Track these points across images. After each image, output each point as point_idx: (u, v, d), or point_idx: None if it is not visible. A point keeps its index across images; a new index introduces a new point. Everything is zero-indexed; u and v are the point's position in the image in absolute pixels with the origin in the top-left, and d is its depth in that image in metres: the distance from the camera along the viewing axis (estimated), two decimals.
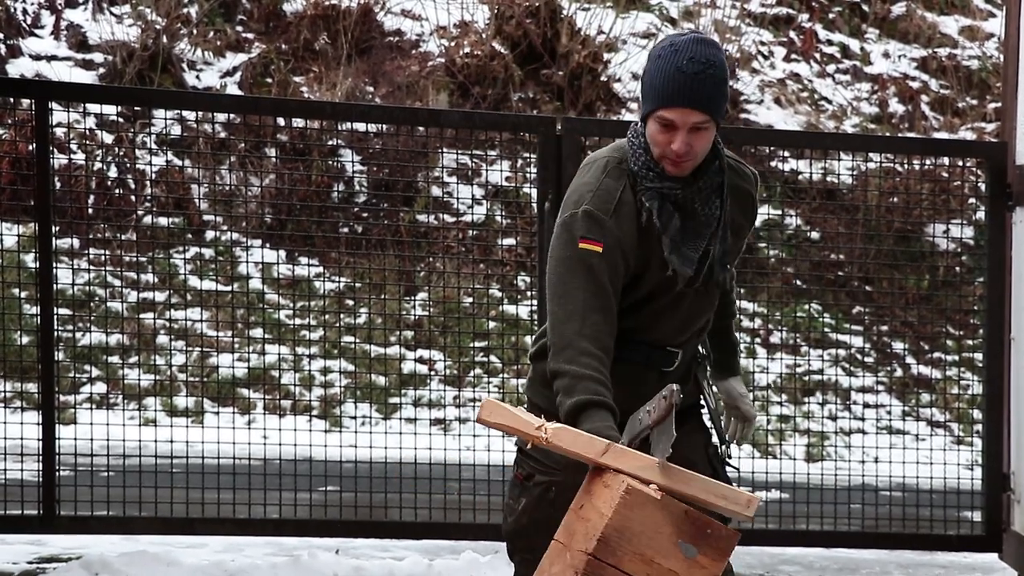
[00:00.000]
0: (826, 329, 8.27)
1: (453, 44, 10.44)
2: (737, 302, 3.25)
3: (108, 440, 4.94)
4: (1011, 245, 5.04)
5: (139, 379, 5.87)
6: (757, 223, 3.15)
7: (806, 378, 7.37)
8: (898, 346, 8.33)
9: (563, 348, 2.77)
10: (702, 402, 3.13)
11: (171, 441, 4.95)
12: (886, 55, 11.32)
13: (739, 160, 3.07)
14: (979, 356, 6.11)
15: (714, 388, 3.12)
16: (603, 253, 2.80)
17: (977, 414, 5.71)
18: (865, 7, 11.64)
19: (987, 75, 11.07)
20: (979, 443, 5.47)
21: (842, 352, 8.08)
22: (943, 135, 10.47)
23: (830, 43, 11.37)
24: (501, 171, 8.81)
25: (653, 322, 2.93)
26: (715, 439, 3.11)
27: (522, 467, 2.96)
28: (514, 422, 2.61)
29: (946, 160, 6.17)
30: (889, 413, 7.63)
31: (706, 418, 3.14)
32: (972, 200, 7.22)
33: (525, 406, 3.01)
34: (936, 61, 11.22)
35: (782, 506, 5.29)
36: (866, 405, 7.35)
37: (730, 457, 3.10)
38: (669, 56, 2.84)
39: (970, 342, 7.04)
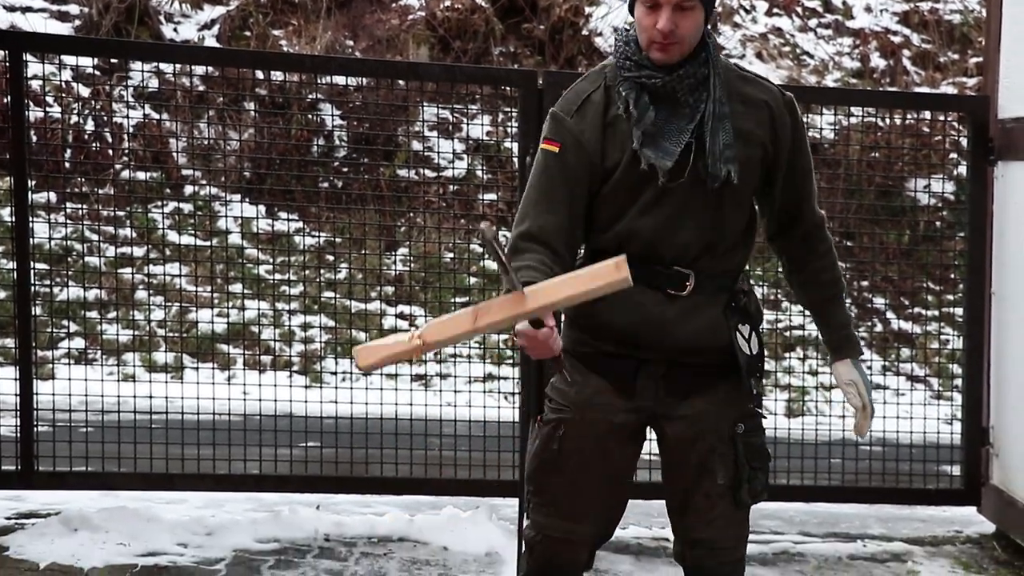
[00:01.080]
0: None
1: None
2: (834, 253, 3.01)
3: (86, 395, 4.91)
4: (992, 200, 5.03)
5: (117, 334, 5.83)
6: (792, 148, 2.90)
7: (787, 333, 7.38)
8: (879, 301, 8.34)
9: (510, 248, 2.78)
10: (738, 356, 2.88)
11: (150, 397, 4.92)
12: (868, 9, 11.28)
13: (763, 78, 2.97)
14: (959, 311, 6.13)
15: (752, 337, 2.88)
16: (559, 152, 2.79)
17: (957, 369, 5.73)
18: None
19: (969, 29, 11.05)
20: (959, 398, 5.49)
21: None
22: (925, 90, 10.46)
23: None
24: (482, 125, 8.75)
25: (644, 227, 2.80)
26: (751, 405, 2.90)
27: (542, 410, 2.96)
28: (389, 352, 2.52)
29: (928, 115, 6.16)
30: (870, 368, 7.64)
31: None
32: (953, 155, 7.20)
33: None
34: (918, 15, 11.19)
35: None
36: None
37: (760, 406, 2.91)
38: None
39: (950, 297, 7.06)
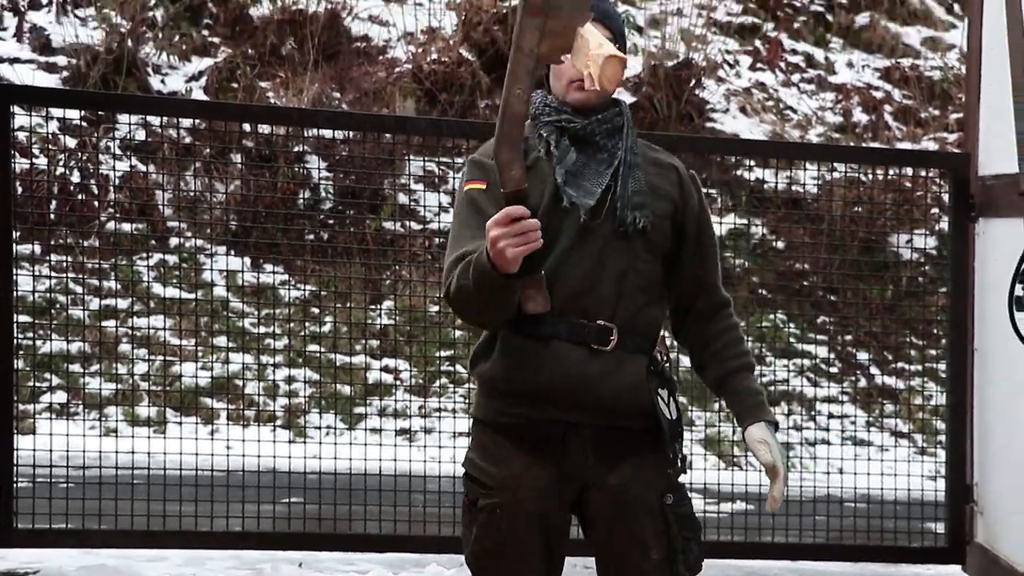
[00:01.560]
0: (791, 339, 8.30)
1: (420, 50, 10.41)
2: (743, 338, 2.99)
3: (68, 451, 4.88)
4: (974, 256, 5.06)
5: (100, 388, 5.81)
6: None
7: (771, 388, 7.38)
8: (862, 356, 8.36)
9: (446, 276, 2.79)
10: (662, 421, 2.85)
11: (132, 452, 4.89)
12: (850, 65, 11.38)
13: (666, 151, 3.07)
14: (942, 367, 6.14)
15: (671, 402, 2.87)
16: (485, 188, 2.81)
17: (940, 425, 5.73)
18: (829, 17, 11.70)
19: (949, 86, 11.16)
20: (942, 454, 5.49)
21: (807, 362, 8.10)
22: (906, 145, 10.54)
23: (795, 52, 11.41)
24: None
25: (567, 274, 2.79)
26: (677, 476, 2.87)
27: (468, 491, 2.88)
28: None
29: (910, 171, 6.20)
30: (854, 423, 7.65)
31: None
32: (935, 210, 7.25)
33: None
34: (899, 72, 11.29)
35: (747, 518, 5.29)
36: (830, 416, 7.38)
37: (684, 472, 2.87)
38: None
39: (933, 352, 7.08)
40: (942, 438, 5.63)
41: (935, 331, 6.87)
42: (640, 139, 2.98)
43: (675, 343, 3.17)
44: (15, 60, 9.72)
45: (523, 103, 2.66)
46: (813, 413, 7.63)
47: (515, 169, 2.65)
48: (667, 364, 2.92)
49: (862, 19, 11.72)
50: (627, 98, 10.36)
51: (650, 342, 2.87)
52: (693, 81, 10.29)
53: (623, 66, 2.72)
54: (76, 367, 6.43)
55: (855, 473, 5.57)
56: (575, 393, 2.78)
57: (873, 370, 8.34)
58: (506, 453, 2.82)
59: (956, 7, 11.91)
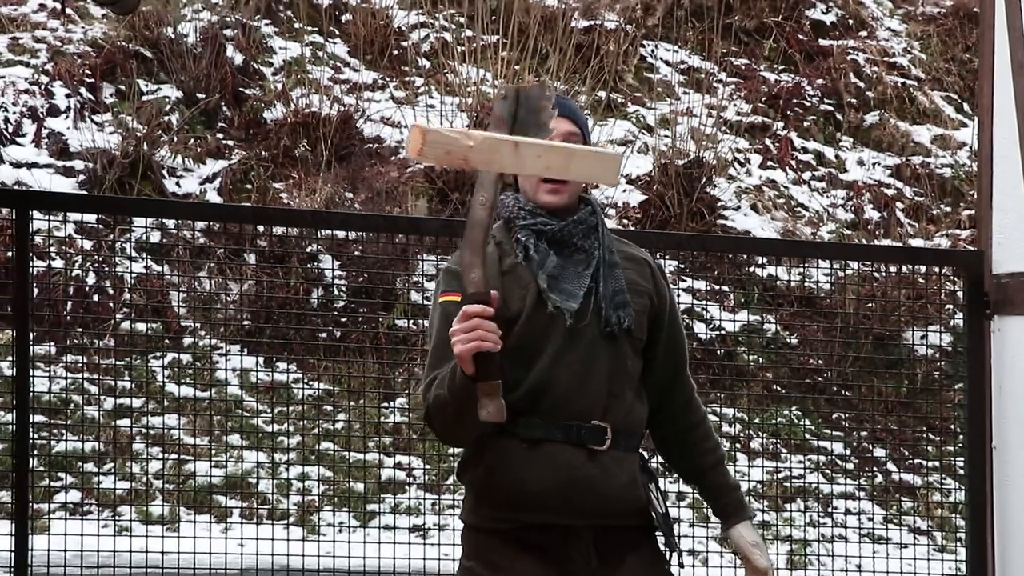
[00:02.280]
0: (806, 435, 8.26)
1: None
2: (709, 422, 3.01)
3: (82, 549, 4.86)
4: (990, 353, 5.06)
5: (114, 486, 5.80)
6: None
7: (787, 484, 7.33)
8: (879, 452, 8.30)
9: (423, 393, 2.76)
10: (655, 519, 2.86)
11: (146, 551, 4.87)
12: (860, 163, 11.48)
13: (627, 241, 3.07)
14: (959, 462, 6.10)
15: (659, 497, 2.86)
16: (461, 301, 2.71)
17: (960, 522, 5.68)
18: (839, 116, 11.82)
19: (960, 183, 11.23)
20: (963, 552, 5.43)
21: (822, 458, 8.05)
22: (919, 241, 10.58)
23: (805, 151, 11.52)
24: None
25: (555, 378, 2.76)
26: (670, 566, 2.88)
27: None
28: (447, 143, 2.52)
29: (923, 267, 6.23)
30: (871, 520, 7.58)
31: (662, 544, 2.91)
32: (950, 306, 7.26)
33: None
34: (910, 169, 11.38)
35: None
36: (847, 512, 7.31)
37: (682, 566, 2.90)
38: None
39: (951, 448, 7.04)
40: (962, 535, 5.57)
41: (952, 427, 6.84)
42: (609, 233, 2.97)
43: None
44: (33, 165, 9.85)
45: (486, 209, 2.64)
46: (830, 509, 7.57)
47: (475, 272, 2.61)
48: (649, 459, 2.94)
49: (872, 118, 11.84)
50: (637, 196, 10.44)
51: (639, 438, 2.87)
52: (704, 179, 10.37)
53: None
54: (90, 466, 6.42)
55: (874, 571, 5.51)
56: (574, 496, 2.73)
57: (890, 466, 8.28)
58: (505, 559, 2.75)
59: (966, 106, 12.03)
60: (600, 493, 2.75)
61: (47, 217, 5.11)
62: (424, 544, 6.81)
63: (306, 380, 8.31)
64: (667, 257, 7.61)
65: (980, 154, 5.21)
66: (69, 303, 8.43)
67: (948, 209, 11.12)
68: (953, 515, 6.30)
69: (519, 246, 2.82)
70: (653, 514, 2.82)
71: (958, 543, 6.43)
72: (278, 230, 8.62)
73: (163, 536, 5.14)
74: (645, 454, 2.87)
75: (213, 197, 9.94)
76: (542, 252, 2.81)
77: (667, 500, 2.89)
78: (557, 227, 2.84)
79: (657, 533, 2.88)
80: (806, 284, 8.30)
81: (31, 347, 4.72)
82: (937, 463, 7.31)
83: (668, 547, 2.83)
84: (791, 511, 7.33)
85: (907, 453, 8.26)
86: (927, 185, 11.20)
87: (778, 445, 7.84)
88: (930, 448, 7.60)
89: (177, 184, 10.04)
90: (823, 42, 12.25)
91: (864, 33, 12.48)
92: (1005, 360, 4.93)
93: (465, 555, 2.83)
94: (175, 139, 10.25)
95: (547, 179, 2.82)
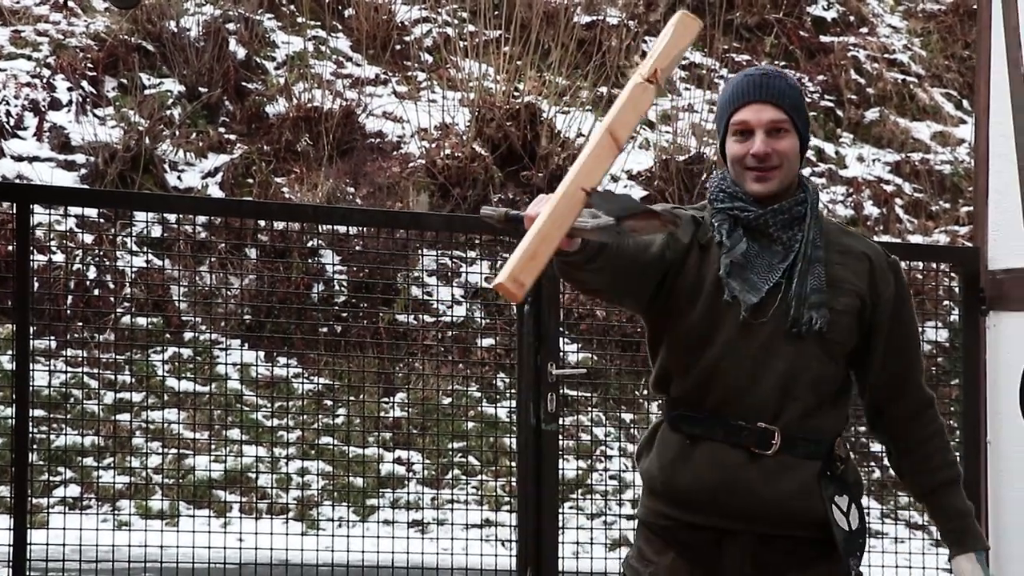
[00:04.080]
0: None
1: (434, 146, 10.55)
2: (945, 436, 2.74)
3: (81, 544, 4.88)
4: (985, 349, 5.08)
5: (114, 481, 5.82)
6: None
7: None
8: (875, 447, 8.32)
9: None
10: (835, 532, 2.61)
11: (145, 545, 4.90)
12: (861, 159, 11.49)
13: (867, 237, 2.89)
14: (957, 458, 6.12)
15: (852, 511, 2.62)
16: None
17: None
18: (840, 112, 11.83)
19: (959, 179, 11.24)
20: None
21: None
22: (918, 238, 10.59)
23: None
24: (481, 273, 8.84)
25: (724, 371, 2.57)
26: None
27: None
28: (527, 263, 2.22)
29: (920, 264, 6.24)
30: (868, 513, 7.60)
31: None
32: (946, 302, 7.27)
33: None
34: (909, 165, 11.39)
35: None
36: None
37: None
38: (736, 75, 2.74)
39: None
40: None
41: (949, 422, 6.85)
42: (833, 222, 2.77)
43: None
44: (35, 159, 9.87)
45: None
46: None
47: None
48: (845, 468, 2.68)
49: (872, 114, 11.85)
50: (638, 191, 10.45)
51: (825, 447, 2.63)
52: (705, 175, 10.39)
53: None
54: (90, 460, 6.45)
55: (870, 565, 5.53)
56: (728, 498, 2.57)
57: (887, 461, 8.31)
58: (655, 553, 2.64)
59: (965, 103, 12.04)
60: (759, 498, 2.57)
61: (48, 211, 5.13)
62: (423, 539, 6.84)
63: (306, 375, 8.33)
64: None
65: (977, 151, 5.23)
66: (70, 297, 8.45)
67: (947, 205, 11.13)
68: None
69: (714, 231, 2.63)
70: (833, 530, 2.58)
71: None
72: (279, 225, 8.64)
73: (162, 530, 5.16)
74: (837, 463, 2.64)
75: (215, 191, 9.96)
76: (735, 237, 2.60)
77: (863, 516, 2.65)
78: (753, 215, 2.61)
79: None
80: None
81: (31, 341, 4.74)
82: None
83: (844, 570, 2.61)
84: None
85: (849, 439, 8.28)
86: (926, 181, 11.21)
87: None
88: None
89: (178, 178, 10.06)
90: (824, 38, 12.25)
91: (865, 30, 12.48)
92: (1000, 356, 4.95)
93: (631, 550, 2.73)
94: (177, 133, 10.27)
95: (752, 166, 2.61)
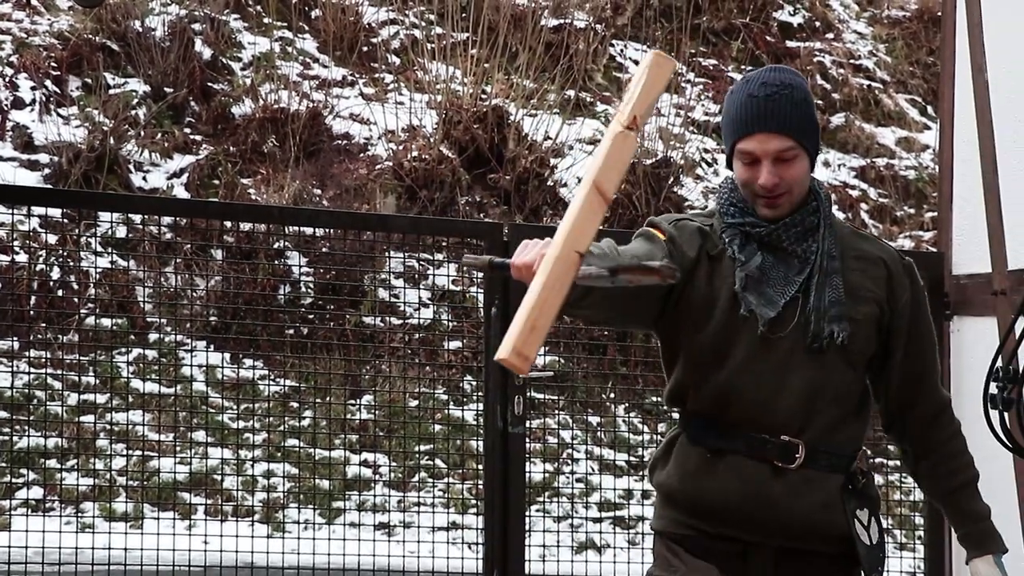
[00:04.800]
0: None
1: (401, 148, 10.53)
2: (963, 438, 2.72)
3: (43, 547, 4.84)
4: (949, 353, 5.12)
5: (77, 483, 5.78)
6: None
7: None
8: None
9: None
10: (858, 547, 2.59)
11: (108, 548, 4.86)
12: (826, 164, 11.56)
13: (880, 239, 2.82)
14: None
15: (872, 524, 2.60)
16: (665, 239, 2.57)
17: (919, 519, 5.74)
18: None
19: (924, 185, 11.33)
20: (921, 549, 5.49)
21: None
22: None
23: None
24: (448, 275, 8.84)
25: (744, 385, 2.53)
26: None
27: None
28: (527, 333, 2.16)
29: None
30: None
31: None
32: None
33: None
34: (875, 170, 11.47)
35: None
36: None
37: None
38: (740, 88, 2.62)
39: None
40: (921, 533, 5.63)
41: None
42: (846, 226, 2.72)
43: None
44: None
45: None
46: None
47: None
48: (866, 482, 2.66)
49: (837, 119, 11.93)
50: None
51: (848, 459, 2.61)
52: (671, 179, 10.42)
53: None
54: (53, 462, 6.40)
55: None
56: (754, 512, 2.55)
57: (901, 464, 8.35)
58: (681, 562, 2.61)
59: (930, 109, 12.14)
60: (783, 512, 2.54)
61: (11, 211, 5.09)
62: (390, 541, 6.82)
63: (273, 377, 8.30)
64: None
65: (941, 157, 5.27)
66: (33, 298, 8.38)
67: (912, 211, 11.22)
68: (913, 513, 6.36)
69: (725, 244, 2.59)
70: (856, 544, 2.56)
71: (917, 540, 6.51)
72: (245, 226, 8.61)
73: (127, 533, 5.13)
74: (859, 475, 2.61)
75: (180, 192, 9.90)
76: (748, 251, 2.56)
77: (882, 529, 2.63)
78: (765, 231, 2.56)
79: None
80: None
81: None
82: (897, 462, 7.38)
83: None
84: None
85: (868, 452, 8.34)
86: (891, 187, 11.29)
87: None
88: (891, 447, 7.67)
89: (144, 179, 10.00)
90: (790, 43, 12.32)
91: (831, 35, 12.56)
92: (963, 360, 4.99)
93: (652, 564, 2.67)
94: (142, 133, 10.21)
95: (761, 194, 2.56)
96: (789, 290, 2.55)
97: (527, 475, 5.19)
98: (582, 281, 2.24)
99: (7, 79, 10.19)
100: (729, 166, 2.65)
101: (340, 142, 10.72)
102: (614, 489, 6.96)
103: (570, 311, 2.40)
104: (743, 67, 12.09)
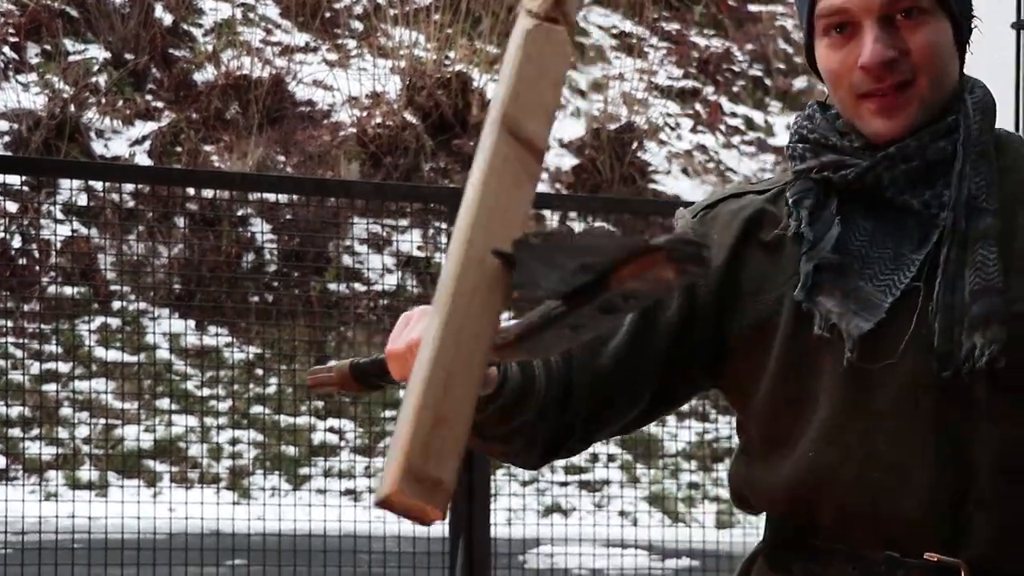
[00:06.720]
0: None
1: (365, 114, 10.49)
2: None
3: (7, 516, 4.82)
4: None
5: (40, 452, 5.76)
6: None
7: (715, 444, 7.44)
8: None
9: None
10: None
11: (73, 516, 4.85)
12: (789, 127, 11.63)
13: None
14: None
15: None
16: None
17: None
18: (768, 81, 11.93)
19: None
20: None
21: None
22: None
23: (735, 115, 11.62)
24: (412, 241, 8.83)
25: (832, 458, 1.47)
26: None
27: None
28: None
29: None
30: None
31: None
32: None
33: None
34: None
35: (692, 574, 5.32)
36: None
37: None
38: None
39: None
40: None
41: None
42: (1014, 137, 1.56)
43: None
44: None
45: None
46: None
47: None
48: None
49: (800, 83, 11.96)
50: (569, 160, 10.47)
51: None
52: (635, 144, 10.43)
53: None
54: (16, 431, 6.37)
55: None
56: None
57: None
58: None
59: None
60: None
61: None
62: (356, 507, 6.85)
63: (237, 344, 8.28)
64: (598, 221, 7.66)
65: None
66: None
67: None
68: None
69: (794, 211, 1.52)
70: None
71: None
72: (208, 193, 8.56)
73: (91, 501, 5.12)
74: None
75: (142, 160, 9.84)
76: (824, 220, 1.48)
77: None
78: (853, 171, 1.48)
79: None
80: None
81: None
82: None
83: None
84: (719, 471, 7.44)
85: None
86: None
87: (706, 406, 7.95)
88: None
89: (105, 147, 9.92)
90: (752, 8, 12.34)
91: None
92: None
93: None
94: (103, 101, 10.12)
95: (865, 90, 1.49)
96: (901, 278, 1.46)
97: None
98: (523, 351, 1.17)
99: None
100: (811, 64, 1.59)
101: (303, 109, 10.66)
102: None
103: (510, 443, 1.52)
104: (705, 31, 12.10)
